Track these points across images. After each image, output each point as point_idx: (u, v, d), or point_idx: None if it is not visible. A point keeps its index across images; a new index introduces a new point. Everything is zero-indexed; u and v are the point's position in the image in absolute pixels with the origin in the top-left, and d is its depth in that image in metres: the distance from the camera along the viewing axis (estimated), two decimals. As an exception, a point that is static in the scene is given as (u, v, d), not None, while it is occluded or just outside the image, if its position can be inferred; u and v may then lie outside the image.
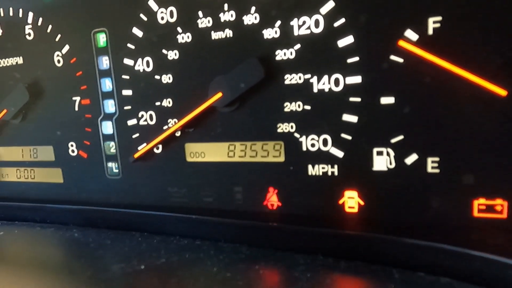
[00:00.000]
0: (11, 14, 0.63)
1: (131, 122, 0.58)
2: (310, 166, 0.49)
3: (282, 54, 0.47)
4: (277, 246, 0.47)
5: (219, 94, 0.50)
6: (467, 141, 0.42)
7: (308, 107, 0.48)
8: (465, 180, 0.43)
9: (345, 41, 0.44)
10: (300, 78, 0.47)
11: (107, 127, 0.60)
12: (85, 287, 0.36)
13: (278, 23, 0.47)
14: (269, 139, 0.50)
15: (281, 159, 0.50)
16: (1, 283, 0.38)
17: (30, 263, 0.44)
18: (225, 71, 0.50)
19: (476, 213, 0.43)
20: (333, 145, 0.47)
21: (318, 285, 0.36)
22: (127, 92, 0.57)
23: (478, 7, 0.39)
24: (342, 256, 0.43)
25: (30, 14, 0.61)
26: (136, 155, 0.58)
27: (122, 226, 0.57)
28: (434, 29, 0.41)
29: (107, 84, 0.58)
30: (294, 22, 0.46)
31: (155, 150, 0.57)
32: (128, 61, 0.56)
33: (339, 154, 0.47)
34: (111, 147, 0.60)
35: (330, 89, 0.46)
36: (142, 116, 0.57)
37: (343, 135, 0.47)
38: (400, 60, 0.43)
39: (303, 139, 0.49)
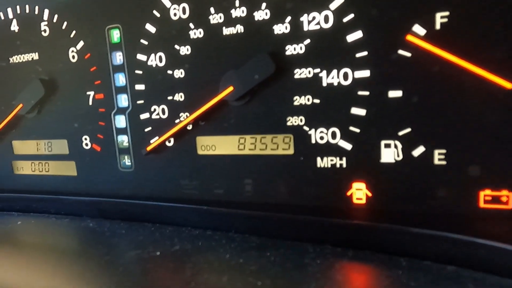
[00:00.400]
0: (27, 11, 0.65)
1: (144, 116, 0.59)
2: (319, 159, 0.50)
3: (292, 49, 0.49)
4: (286, 237, 0.48)
5: (230, 88, 0.52)
6: (473, 133, 0.43)
7: (317, 101, 0.49)
8: (471, 172, 0.44)
9: (354, 36, 0.45)
10: (309, 72, 0.48)
11: (120, 121, 0.61)
12: (104, 270, 0.38)
13: (289, 18, 0.48)
14: (279, 132, 0.52)
15: (291, 151, 0.51)
16: (24, 267, 0.40)
17: (49, 248, 0.46)
18: (236, 66, 0.51)
19: (482, 204, 0.44)
20: (341, 137, 0.49)
21: (328, 270, 0.37)
22: (140, 87, 0.59)
23: (484, 2, 0.40)
24: (350, 246, 0.44)
25: (46, 11, 0.63)
26: (149, 148, 0.59)
27: (134, 217, 0.58)
28: (442, 24, 0.42)
29: (120, 79, 0.60)
30: (304, 18, 0.47)
31: (167, 143, 0.59)
32: (141, 57, 0.57)
33: (348, 146, 0.48)
34: (124, 140, 0.62)
35: (339, 83, 0.47)
36: (155, 110, 0.58)
37: (352, 128, 0.48)
38: (408, 54, 0.44)
39: (312, 132, 0.50)
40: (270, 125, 0.52)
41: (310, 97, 0.49)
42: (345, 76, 0.47)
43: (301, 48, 0.48)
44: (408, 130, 0.45)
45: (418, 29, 0.43)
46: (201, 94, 0.54)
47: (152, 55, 0.57)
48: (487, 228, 0.42)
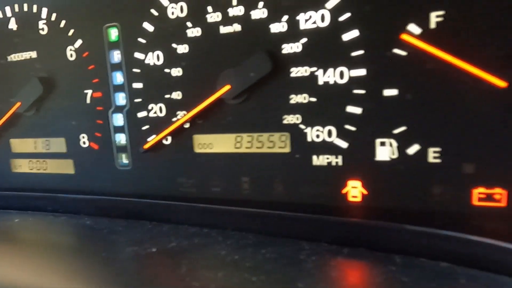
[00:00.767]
0: (25, 9, 0.65)
1: (141, 114, 0.60)
2: (314, 157, 0.50)
3: (289, 48, 0.49)
4: (282, 234, 0.48)
5: (228, 87, 0.52)
6: (468, 132, 0.43)
7: (313, 99, 0.49)
8: (465, 170, 0.44)
9: (350, 35, 0.46)
10: (306, 71, 0.49)
11: (118, 119, 0.62)
12: (101, 266, 0.38)
13: (285, 17, 0.48)
14: (275, 130, 0.52)
15: (287, 149, 0.52)
16: (21, 264, 0.40)
17: (47, 245, 0.46)
18: (233, 65, 0.52)
19: (475, 202, 0.44)
20: (337, 136, 0.49)
21: (323, 267, 0.38)
22: (137, 85, 0.59)
23: (479, 2, 0.40)
24: (345, 244, 0.45)
25: (44, 10, 0.63)
26: (146, 146, 0.59)
27: (132, 215, 0.58)
28: (437, 23, 0.42)
29: (118, 78, 0.60)
30: (301, 17, 0.48)
31: (164, 142, 0.59)
32: (139, 55, 0.58)
33: (343, 144, 0.49)
34: (122, 138, 0.62)
35: (335, 81, 0.48)
36: (152, 108, 0.59)
37: (347, 126, 0.48)
38: (404, 53, 0.44)
39: (308, 130, 0.50)
40: (267, 124, 0.52)
41: (306, 95, 0.49)
42: (341, 75, 0.47)
43: (297, 46, 0.49)
44: (403, 128, 0.46)
45: (414, 28, 0.43)
46: (199, 93, 0.54)
47: (150, 54, 0.57)
48: (480, 225, 0.42)
